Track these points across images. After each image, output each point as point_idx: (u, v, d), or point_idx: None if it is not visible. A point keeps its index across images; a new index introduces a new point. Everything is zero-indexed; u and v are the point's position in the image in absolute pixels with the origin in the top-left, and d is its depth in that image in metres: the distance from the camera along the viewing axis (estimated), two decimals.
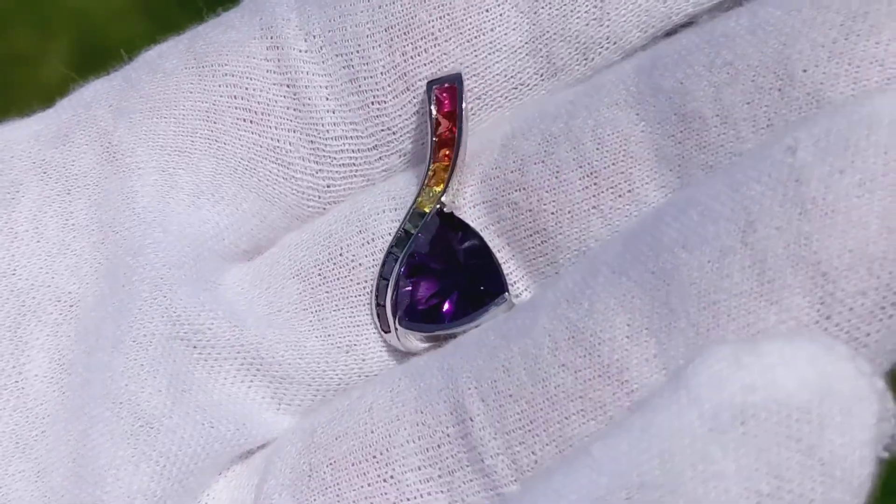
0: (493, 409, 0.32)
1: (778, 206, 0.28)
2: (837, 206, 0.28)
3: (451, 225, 0.35)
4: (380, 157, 0.37)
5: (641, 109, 0.33)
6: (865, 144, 0.28)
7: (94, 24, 0.84)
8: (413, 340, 0.36)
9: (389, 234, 0.36)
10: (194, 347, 0.35)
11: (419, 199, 0.35)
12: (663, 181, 0.33)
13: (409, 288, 0.35)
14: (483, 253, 0.35)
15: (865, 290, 0.28)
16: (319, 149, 0.36)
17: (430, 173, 0.35)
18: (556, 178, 0.34)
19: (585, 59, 0.36)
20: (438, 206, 0.35)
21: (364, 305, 0.36)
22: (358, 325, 0.36)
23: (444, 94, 0.35)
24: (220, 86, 0.37)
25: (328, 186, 0.37)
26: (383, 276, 0.35)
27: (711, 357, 0.26)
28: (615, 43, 0.35)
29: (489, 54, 0.36)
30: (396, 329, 0.35)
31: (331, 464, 0.34)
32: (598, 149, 0.34)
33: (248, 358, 0.35)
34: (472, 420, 0.32)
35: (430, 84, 0.35)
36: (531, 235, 0.35)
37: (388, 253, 0.35)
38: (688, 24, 0.36)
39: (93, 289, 0.35)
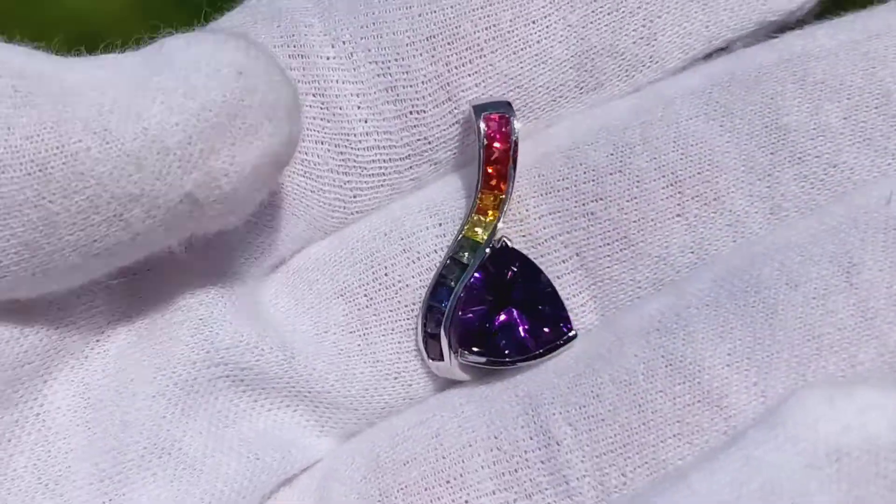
0: (583, 433, 0.33)
1: (881, 251, 0.32)
2: None
3: (509, 256, 0.35)
4: (411, 167, 0.36)
5: (726, 121, 0.35)
6: None
7: (93, 25, 0.84)
8: (459, 370, 0.35)
9: (435, 251, 0.36)
10: (241, 381, 0.34)
11: (466, 226, 0.35)
12: (751, 190, 0.35)
13: (469, 316, 0.35)
14: (546, 287, 0.35)
15: None
16: (349, 159, 0.36)
17: (478, 202, 0.35)
18: (638, 187, 0.35)
19: (628, 77, 0.36)
20: (497, 237, 0.35)
21: (410, 331, 0.36)
22: (406, 352, 0.36)
23: (496, 123, 0.35)
24: None
25: (354, 196, 0.36)
26: (433, 304, 0.35)
27: (808, 398, 0.28)
28: (657, 62, 0.36)
29: (534, 66, 0.36)
30: (451, 359, 0.35)
31: (402, 489, 0.34)
32: (681, 158, 0.35)
33: (297, 388, 0.35)
34: (558, 444, 0.33)
35: (478, 109, 0.35)
36: (609, 244, 0.35)
37: (439, 282, 0.35)
38: (722, 49, 0.37)
39: (122, 321, 0.34)
